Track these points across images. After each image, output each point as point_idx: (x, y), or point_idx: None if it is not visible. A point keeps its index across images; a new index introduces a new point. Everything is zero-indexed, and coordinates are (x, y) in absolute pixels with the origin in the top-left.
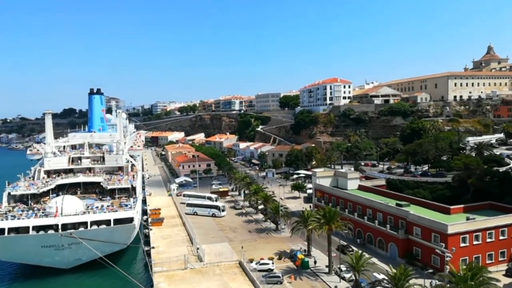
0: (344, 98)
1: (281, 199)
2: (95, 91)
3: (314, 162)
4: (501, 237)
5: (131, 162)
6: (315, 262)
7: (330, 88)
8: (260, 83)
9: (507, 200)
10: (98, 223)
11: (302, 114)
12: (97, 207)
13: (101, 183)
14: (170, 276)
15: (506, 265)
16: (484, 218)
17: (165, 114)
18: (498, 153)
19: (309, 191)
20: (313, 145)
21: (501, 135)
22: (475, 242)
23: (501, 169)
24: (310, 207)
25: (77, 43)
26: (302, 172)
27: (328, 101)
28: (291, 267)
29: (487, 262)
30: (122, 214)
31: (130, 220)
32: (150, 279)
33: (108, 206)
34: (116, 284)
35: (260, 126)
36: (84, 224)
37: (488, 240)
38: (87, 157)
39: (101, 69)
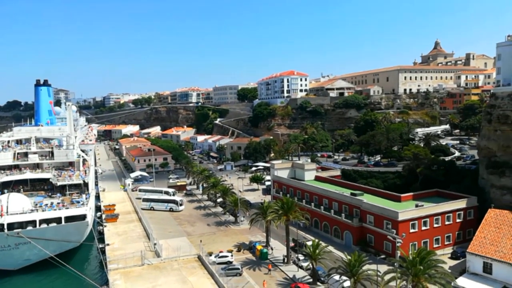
0: (301, 91)
1: (240, 191)
2: (41, 82)
3: (272, 154)
4: (447, 222)
5: (82, 157)
6: (284, 259)
7: (287, 81)
8: (217, 76)
9: (452, 188)
10: (48, 221)
11: (260, 106)
12: (46, 204)
13: (50, 179)
14: (127, 273)
15: (451, 248)
16: (431, 205)
17: (119, 107)
18: (444, 143)
19: (268, 183)
20: (271, 137)
21: (447, 126)
22: (423, 228)
23: (447, 159)
24: (266, 197)
25: (21, 31)
26: (261, 164)
27: (285, 94)
28: (250, 258)
29: (435, 246)
30: (73, 211)
31: (83, 217)
32: (106, 277)
33: (58, 203)
34: (69, 284)
35: (218, 119)
36: (33, 222)
37: (435, 225)
38: (34, 152)
39: (48, 59)
